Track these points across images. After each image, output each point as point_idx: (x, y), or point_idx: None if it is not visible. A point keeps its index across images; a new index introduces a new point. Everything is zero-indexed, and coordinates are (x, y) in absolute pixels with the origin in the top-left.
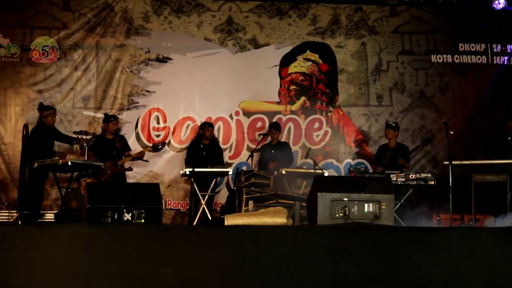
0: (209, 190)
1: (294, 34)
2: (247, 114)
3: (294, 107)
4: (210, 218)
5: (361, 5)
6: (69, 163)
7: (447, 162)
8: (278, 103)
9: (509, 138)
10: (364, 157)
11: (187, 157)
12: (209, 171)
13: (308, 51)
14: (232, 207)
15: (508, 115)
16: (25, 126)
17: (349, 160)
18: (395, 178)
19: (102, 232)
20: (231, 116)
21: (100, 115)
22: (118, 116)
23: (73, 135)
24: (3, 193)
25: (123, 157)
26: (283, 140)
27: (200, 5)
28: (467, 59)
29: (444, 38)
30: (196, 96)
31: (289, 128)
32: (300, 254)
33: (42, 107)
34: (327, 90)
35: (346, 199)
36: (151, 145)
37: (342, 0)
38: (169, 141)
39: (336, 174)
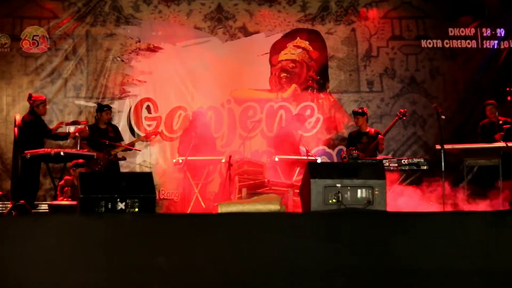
0: (202, 178)
1: (284, 21)
2: (238, 102)
3: (285, 94)
4: (203, 206)
5: None
6: (62, 153)
7: (439, 147)
8: (269, 90)
9: (500, 122)
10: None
11: (180, 146)
12: (202, 159)
13: (298, 38)
14: (225, 195)
15: (497, 98)
16: (17, 117)
17: (341, 147)
18: (387, 164)
19: (95, 222)
20: (222, 105)
21: (91, 104)
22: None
23: (65, 125)
24: None
25: (116, 147)
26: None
27: None
28: (457, 44)
29: (433, 23)
30: (187, 85)
31: (281, 116)
32: (294, 241)
33: (31, 98)
34: (318, 77)
35: (339, 185)
36: (143, 134)
37: None
38: (161, 131)
39: (328, 161)
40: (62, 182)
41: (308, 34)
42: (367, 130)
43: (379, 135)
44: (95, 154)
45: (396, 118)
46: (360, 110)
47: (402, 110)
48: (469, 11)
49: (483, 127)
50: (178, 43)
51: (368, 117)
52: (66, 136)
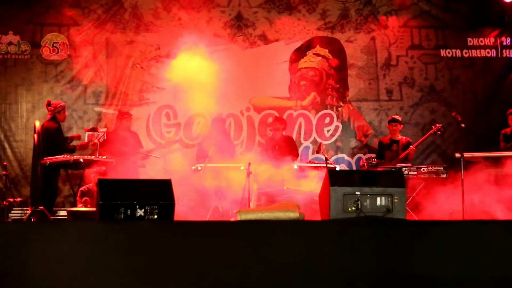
0: (221, 185)
1: (303, 29)
2: (257, 110)
3: (305, 102)
4: (221, 211)
5: None
6: (81, 159)
7: (459, 155)
8: (288, 98)
9: None
10: (375, 151)
11: (198, 153)
12: (221, 166)
13: (318, 46)
14: (244, 202)
15: None
16: (37, 123)
17: (360, 155)
18: (406, 172)
19: (114, 228)
20: (241, 112)
21: (111, 111)
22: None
23: (84, 132)
24: (15, 191)
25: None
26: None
27: (210, 1)
28: (476, 53)
29: (453, 33)
30: (207, 92)
31: (300, 124)
32: (313, 248)
33: (51, 104)
34: (337, 85)
35: (358, 193)
36: (163, 142)
37: None
38: (180, 138)
39: (347, 169)
40: (83, 188)
41: (327, 42)
42: (399, 138)
43: (411, 146)
44: (114, 160)
45: (431, 131)
46: (399, 118)
47: (438, 125)
48: (489, 19)
49: (505, 135)
50: (197, 50)
51: None
52: (73, 149)
